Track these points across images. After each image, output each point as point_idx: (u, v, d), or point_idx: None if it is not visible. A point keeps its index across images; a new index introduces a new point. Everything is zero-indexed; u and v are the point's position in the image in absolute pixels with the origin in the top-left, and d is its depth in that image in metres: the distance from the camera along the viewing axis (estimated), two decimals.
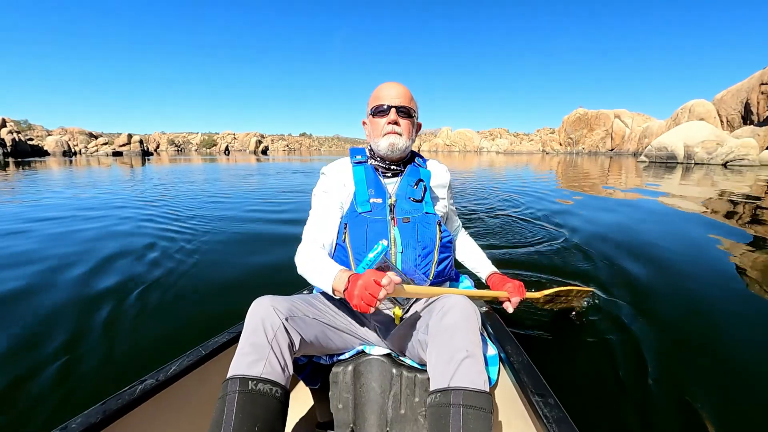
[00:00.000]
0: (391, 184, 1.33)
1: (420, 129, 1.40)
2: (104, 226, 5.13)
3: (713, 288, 2.79)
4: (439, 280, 1.30)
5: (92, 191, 9.49)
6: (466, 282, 1.54)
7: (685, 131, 23.63)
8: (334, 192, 1.31)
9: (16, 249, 3.95)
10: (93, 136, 77.74)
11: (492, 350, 1.25)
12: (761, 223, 5.31)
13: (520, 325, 2.08)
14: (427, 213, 1.29)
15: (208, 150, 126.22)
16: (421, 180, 1.33)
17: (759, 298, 2.63)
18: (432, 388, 0.92)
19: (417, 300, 1.24)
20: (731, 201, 7.43)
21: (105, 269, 3.26)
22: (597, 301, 2.41)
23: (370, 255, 1.10)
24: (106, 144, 68.30)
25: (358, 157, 1.36)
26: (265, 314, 0.98)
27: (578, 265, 3.36)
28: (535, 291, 1.60)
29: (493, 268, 1.52)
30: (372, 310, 0.94)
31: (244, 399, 0.86)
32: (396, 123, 1.27)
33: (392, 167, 1.33)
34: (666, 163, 23.17)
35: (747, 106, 28.36)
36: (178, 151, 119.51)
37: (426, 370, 1.05)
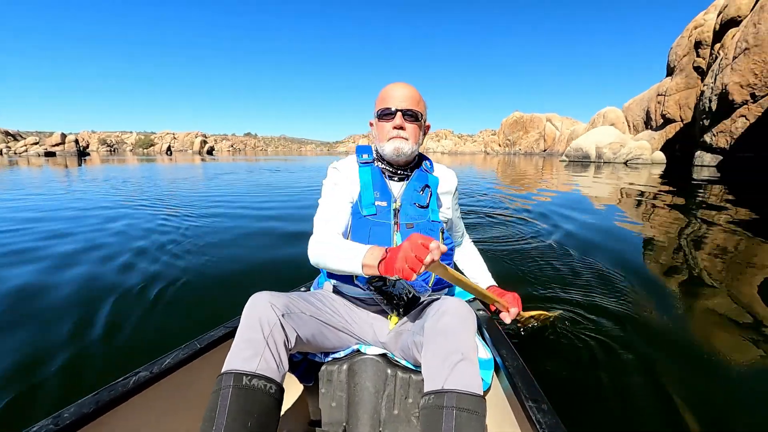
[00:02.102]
0: (397, 188, 1.31)
1: (429, 131, 1.38)
2: (87, 224, 5.18)
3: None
4: (438, 288, 1.29)
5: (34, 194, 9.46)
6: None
7: (596, 135, 27.48)
8: (344, 186, 1.30)
9: None
10: (10, 134, 70.36)
11: (487, 354, 1.24)
12: (657, 206, 7.01)
13: (515, 329, 2.05)
14: (431, 220, 1.27)
15: (145, 150, 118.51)
16: (428, 186, 1.31)
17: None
18: (426, 389, 0.92)
19: (414, 307, 1.23)
20: (630, 191, 9.34)
21: (103, 267, 3.31)
22: (595, 307, 2.42)
23: None
24: (36, 144, 62.66)
25: (365, 156, 1.34)
26: (261, 310, 0.98)
27: (553, 264, 3.40)
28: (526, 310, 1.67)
29: (493, 281, 1.54)
30: (414, 276, 0.91)
31: (238, 394, 0.86)
32: (402, 128, 1.25)
33: (399, 171, 1.32)
34: (582, 161, 26.84)
35: (648, 113, 33.15)
36: (110, 151, 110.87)
37: (420, 372, 1.02)
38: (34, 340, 2.08)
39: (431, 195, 1.30)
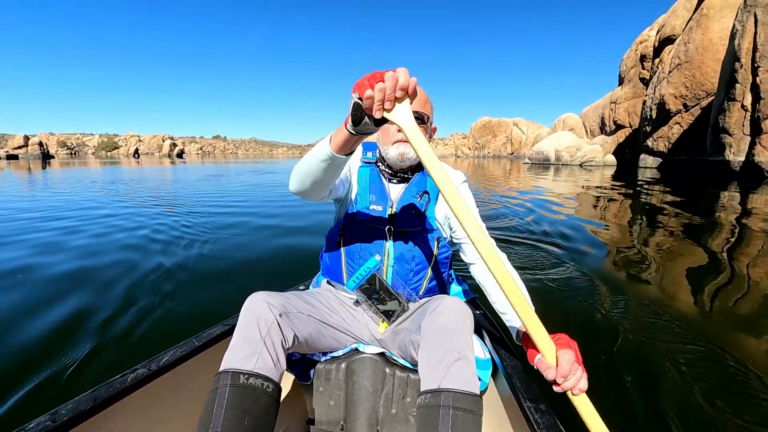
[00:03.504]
0: (396, 190, 1.27)
1: (435, 133, 1.32)
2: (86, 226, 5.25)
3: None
4: (430, 296, 1.27)
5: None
6: (460, 290, 1.53)
7: (556, 139, 29.65)
8: (347, 167, 1.27)
9: None
10: None
11: (485, 354, 1.21)
12: (613, 200, 8.16)
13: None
14: (426, 228, 1.24)
15: (108, 153, 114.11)
16: (426, 192, 1.25)
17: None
18: (422, 388, 0.91)
19: (403, 313, 1.20)
20: (589, 190, 10.54)
21: (101, 265, 3.35)
22: (597, 309, 2.40)
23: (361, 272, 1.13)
24: None
25: (369, 155, 1.31)
26: (259, 310, 0.99)
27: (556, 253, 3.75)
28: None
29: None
30: (380, 111, 0.78)
31: (236, 393, 0.86)
32: None
33: (399, 173, 1.28)
34: (543, 164, 28.86)
35: (602, 120, 35.82)
36: (71, 154, 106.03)
37: (418, 370, 0.99)
38: (31, 339, 2.08)
39: (429, 201, 1.25)
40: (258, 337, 0.95)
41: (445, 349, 0.91)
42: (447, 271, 1.34)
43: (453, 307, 0.99)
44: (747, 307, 2.61)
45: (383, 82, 0.77)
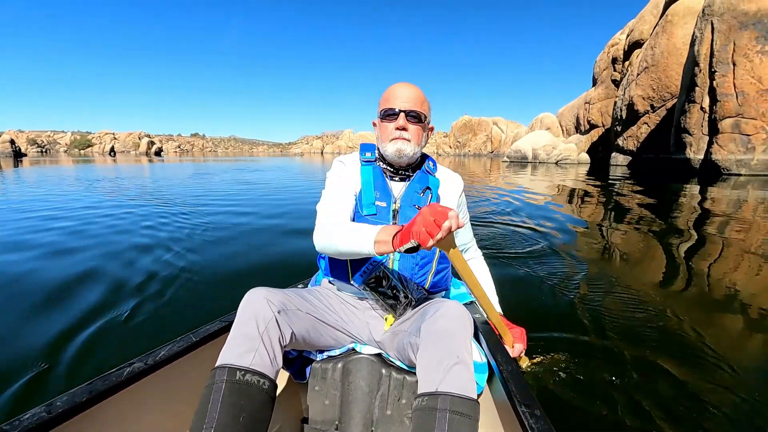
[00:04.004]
0: (398, 188, 1.30)
1: (433, 132, 1.35)
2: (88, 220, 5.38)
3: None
4: (435, 291, 1.31)
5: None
6: (461, 289, 1.58)
7: (532, 138, 30.64)
8: (348, 178, 1.30)
9: None
10: None
11: (481, 358, 1.23)
12: (590, 195, 8.89)
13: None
14: None
15: (82, 151, 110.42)
16: (428, 188, 1.29)
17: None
18: (420, 391, 0.91)
19: (412, 307, 1.24)
20: (564, 188, 11.08)
21: (101, 262, 3.37)
22: (588, 313, 2.43)
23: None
24: None
25: (368, 155, 1.34)
26: (258, 306, 0.99)
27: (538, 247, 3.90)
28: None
29: (499, 309, 1.43)
30: (431, 243, 0.87)
31: (231, 388, 0.87)
32: (404, 129, 1.23)
33: (400, 171, 1.31)
34: (521, 162, 29.82)
35: (577, 119, 37.13)
36: (42, 152, 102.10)
37: (415, 373, 1.01)
38: (28, 332, 2.08)
39: (432, 197, 1.29)
40: (256, 333, 0.95)
41: (444, 352, 0.92)
42: (449, 265, 1.36)
43: (453, 310, 1.00)
44: (699, 282, 3.03)
45: (439, 230, 0.86)
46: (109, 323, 2.21)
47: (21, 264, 3.36)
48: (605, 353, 2.00)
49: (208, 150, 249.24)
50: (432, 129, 1.37)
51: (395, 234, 0.94)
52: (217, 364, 0.91)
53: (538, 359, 1.72)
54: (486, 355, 1.25)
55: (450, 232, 0.87)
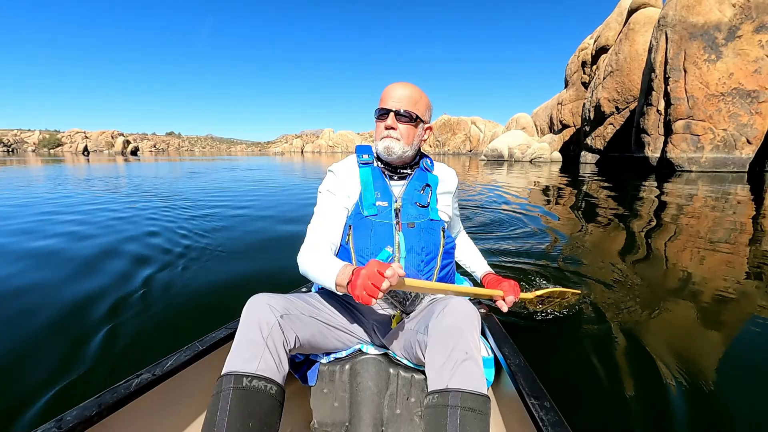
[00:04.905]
0: (398, 188, 1.31)
1: (430, 131, 1.38)
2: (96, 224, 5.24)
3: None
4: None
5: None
6: (465, 284, 1.60)
7: (508, 138, 31.95)
8: (340, 191, 1.30)
9: None
10: None
11: (488, 352, 1.24)
12: (562, 190, 9.50)
13: (517, 326, 2.07)
14: (432, 219, 1.29)
15: (51, 151, 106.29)
16: (428, 185, 1.33)
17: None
18: (430, 388, 0.93)
19: (420, 302, 1.27)
20: (541, 185, 11.65)
21: (103, 269, 3.32)
22: (589, 303, 2.44)
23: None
24: None
25: (365, 157, 1.35)
26: (260, 312, 0.99)
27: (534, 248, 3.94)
28: (527, 291, 1.56)
29: (489, 269, 1.55)
30: (374, 302, 0.94)
31: (239, 395, 0.87)
32: (393, 128, 1.25)
33: (399, 170, 1.32)
34: (497, 160, 31.05)
35: (551, 119, 38.72)
36: (8, 151, 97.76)
37: (422, 371, 1.03)
38: (35, 345, 2.06)
39: (431, 194, 1.32)
40: (260, 339, 0.96)
41: (453, 349, 0.93)
42: (453, 260, 1.39)
43: (460, 307, 1.01)
44: (656, 257, 3.61)
45: (378, 291, 0.92)
46: (114, 334, 2.18)
47: (16, 277, 3.15)
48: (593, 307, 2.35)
49: (184, 149, 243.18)
50: (431, 128, 1.38)
51: (348, 281, 1.01)
52: (223, 372, 0.92)
53: (541, 291, 1.66)
54: (493, 349, 1.26)
55: (391, 287, 0.94)
